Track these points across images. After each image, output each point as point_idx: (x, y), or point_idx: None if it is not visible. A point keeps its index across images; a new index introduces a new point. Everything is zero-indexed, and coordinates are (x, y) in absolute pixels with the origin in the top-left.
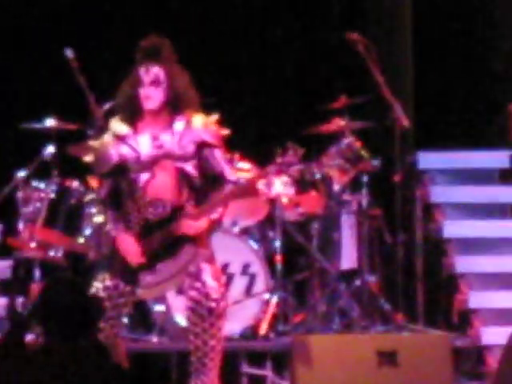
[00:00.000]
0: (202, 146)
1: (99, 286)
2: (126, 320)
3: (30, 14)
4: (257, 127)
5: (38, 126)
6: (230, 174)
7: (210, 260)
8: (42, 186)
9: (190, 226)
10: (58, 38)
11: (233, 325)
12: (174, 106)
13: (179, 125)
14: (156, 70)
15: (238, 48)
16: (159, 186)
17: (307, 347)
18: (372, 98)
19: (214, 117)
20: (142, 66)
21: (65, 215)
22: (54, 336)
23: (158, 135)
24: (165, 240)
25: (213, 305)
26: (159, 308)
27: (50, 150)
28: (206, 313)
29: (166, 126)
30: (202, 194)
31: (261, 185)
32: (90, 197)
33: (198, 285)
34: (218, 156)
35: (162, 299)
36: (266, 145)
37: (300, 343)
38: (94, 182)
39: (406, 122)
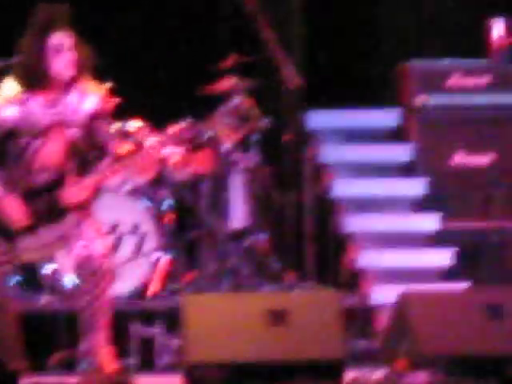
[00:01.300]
0: (93, 116)
1: None
2: (14, 280)
3: None
4: (147, 87)
5: None
6: (114, 148)
7: (92, 221)
8: None
9: (73, 195)
10: None
11: (122, 284)
12: (77, 73)
13: (75, 92)
14: (69, 37)
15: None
16: (49, 153)
17: (197, 306)
18: (262, 55)
19: (107, 85)
20: (55, 31)
21: None
22: None
23: (54, 102)
24: (48, 206)
25: (95, 265)
26: (49, 267)
27: None
28: (89, 273)
29: (63, 92)
30: (88, 163)
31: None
32: None
33: (83, 243)
34: (106, 128)
35: (51, 258)
36: (158, 106)
37: (190, 302)
38: None
39: (296, 81)
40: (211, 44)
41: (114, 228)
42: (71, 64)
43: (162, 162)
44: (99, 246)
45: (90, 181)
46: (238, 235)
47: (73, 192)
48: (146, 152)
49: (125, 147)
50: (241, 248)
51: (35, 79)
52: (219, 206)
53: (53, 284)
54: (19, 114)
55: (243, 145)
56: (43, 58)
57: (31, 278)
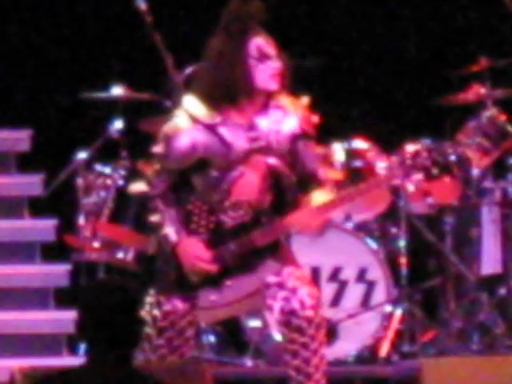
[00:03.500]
0: (295, 139)
1: (157, 313)
2: (212, 339)
3: None
4: (376, 98)
5: (102, 95)
6: (324, 175)
7: (295, 266)
8: (107, 170)
9: (273, 236)
10: None
11: (347, 344)
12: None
13: (276, 111)
14: (273, 41)
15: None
16: (246, 186)
17: (439, 372)
18: None
19: (305, 100)
20: (256, 36)
21: (136, 207)
22: (96, 356)
23: (252, 125)
24: (241, 250)
25: (310, 313)
26: (254, 324)
27: (118, 125)
28: (304, 323)
29: (262, 113)
30: (290, 197)
31: (380, 168)
32: (137, 187)
33: (285, 294)
34: (313, 151)
35: (257, 313)
36: (389, 120)
37: (430, 367)
38: (147, 169)
39: None
40: (452, 43)
41: (335, 273)
42: (278, 75)
43: (396, 191)
44: (305, 296)
45: (294, 218)
46: (491, 283)
47: (273, 232)
48: (378, 180)
49: (332, 173)
50: (494, 299)
51: (232, 94)
52: (467, 246)
53: (258, 344)
54: (208, 140)
55: (498, 170)
56: (244, 67)
57: (232, 336)
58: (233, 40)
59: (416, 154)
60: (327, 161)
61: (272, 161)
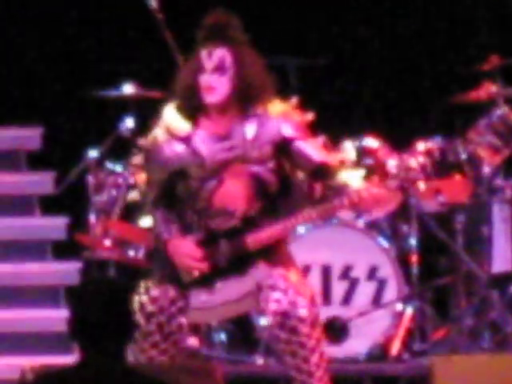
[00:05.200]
0: (283, 143)
1: (144, 298)
2: (223, 337)
3: None
4: (386, 96)
5: (113, 93)
6: (334, 159)
7: (288, 264)
8: (118, 168)
9: (263, 240)
10: None
11: (358, 343)
12: (243, 99)
13: (252, 120)
14: (221, 53)
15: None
16: (228, 194)
17: (450, 371)
18: None
19: (293, 101)
20: (203, 48)
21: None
22: (88, 352)
23: (227, 134)
24: (233, 253)
25: (303, 312)
26: (265, 321)
27: (129, 123)
28: (298, 323)
29: (237, 122)
30: (277, 202)
31: (391, 166)
32: (133, 195)
33: (277, 295)
34: (313, 145)
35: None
36: (400, 118)
37: (441, 366)
38: (140, 178)
39: None
40: (465, 42)
41: (346, 271)
42: (210, 88)
43: (406, 189)
44: (297, 296)
45: (285, 223)
46: (502, 281)
47: (263, 237)
48: (388, 181)
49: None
50: (505, 297)
51: (192, 107)
52: (478, 244)
53: (269, 342)
54: (182, 152)
55: (508, 168)
56: (194, 80)
57: (243, 334)
58: (192, 50)
59: (431, 149)
60: (328, 147)
61: (254, 168)
